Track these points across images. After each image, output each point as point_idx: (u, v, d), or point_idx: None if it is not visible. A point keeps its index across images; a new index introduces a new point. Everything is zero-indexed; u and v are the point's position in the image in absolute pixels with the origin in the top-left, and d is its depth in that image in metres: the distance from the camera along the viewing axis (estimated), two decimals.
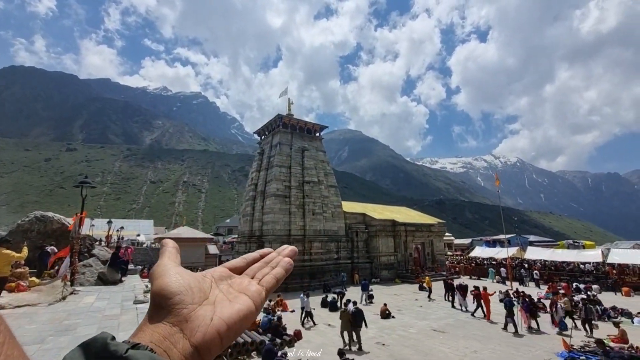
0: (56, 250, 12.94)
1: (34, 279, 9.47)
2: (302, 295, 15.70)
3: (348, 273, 27.96)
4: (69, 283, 9.41)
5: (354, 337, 11.77)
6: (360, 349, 11.50)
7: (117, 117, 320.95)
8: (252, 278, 0.47)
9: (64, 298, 8.42)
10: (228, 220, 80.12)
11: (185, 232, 40.48)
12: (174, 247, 0.46)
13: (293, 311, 17.33)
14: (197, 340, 0.32)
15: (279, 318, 13.42)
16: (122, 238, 37.41)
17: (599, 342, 10.01)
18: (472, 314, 16.62)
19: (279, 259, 0.51)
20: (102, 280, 11.21)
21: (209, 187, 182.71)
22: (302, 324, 14.66)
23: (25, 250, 7.78)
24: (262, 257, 0.52)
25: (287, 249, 0.54)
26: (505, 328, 14.02)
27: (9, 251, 6.88)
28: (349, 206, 34.95)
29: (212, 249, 43.04)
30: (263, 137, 35.00)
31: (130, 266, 17.66)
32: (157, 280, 0.37)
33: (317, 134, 34.37)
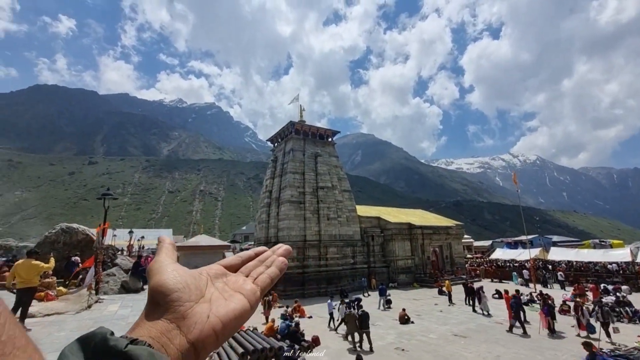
0: (79, 260, 13.48)
1: (61, 288, 9.88)
2: (329, 301, 15.88)
3: (365, 278, 27.74)
4: (94, 292, 9.77)
5: (360, 339, 12.13)
6: (371, 349, 11.72)
7: (135, 130, 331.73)
8: (247, 276, 0.47)
9: (89, 306, 8.75)
10: (244, 228, 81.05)
11: (203, 240, 40.97)
12: (171, 244, 0.47)
13: (310, 317, 17.33)
14: (194, 337, 0.32)
15: (297, 324, 13.44)
16: (143, 247, 38.41)
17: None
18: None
19: (274, 258, 0.52)
20: (125, 289, 11.56)
21: (224, 195, 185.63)
22: (336, 330, 14.74)
23: (52, 261, 8.13)
24: (257, 255, 0.53)
25: (282, 248, 0.55)
26: (510, 330, 13.85)
27: (37, 262, 7.21)
28: (363, 210, 34.77)
29: (228, 256, 43.55)
30: (276, 144, 35.42)
31: None
32: (154, 277, 0.37)
33: (330, 139, 34.50)
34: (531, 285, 26.02)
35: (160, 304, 0.34)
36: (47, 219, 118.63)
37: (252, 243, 41.52)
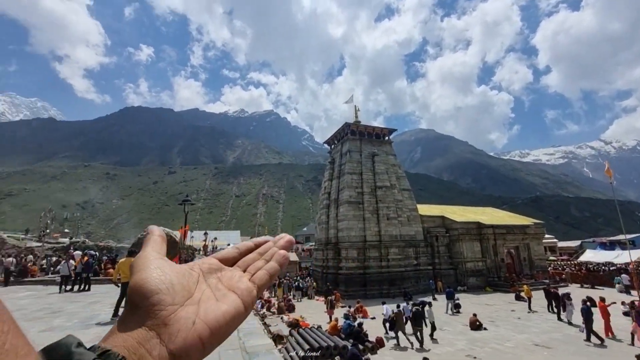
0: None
1: None
2: (384, 305, 15.65)
3: (431, 280, 26.54)
4: None
5: (417, 336, 12.56)
6: (421, 346, 12.12)
7: (205, 141, 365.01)
8: (245, 271, 0.41)
9: None
10: (305, 229, 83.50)
11: None
12: (160, 236, 0.41)
13: (374, 318, 17.21)
14: (176, 347, 0.28)
15: (360, 324, 13.50)
16: (216, 247, 42.11)
17: None
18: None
19: (274, 250, 0.46)
20: None
21: (285, 197, 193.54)
22: (396, 335, 14.49)
23: None
24: (257, 246, 0.47)
25: (284, 239, 0.49)
26: (587, 339, 12.35)
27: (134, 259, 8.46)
28: (425, 209, 33.32)
29: (292, 256, 45.38)
30: (333, 146, 35.92)
31: None
32: (135, 275, 0.32)
33: (386, 138, 33.84)
34: (633, 292, 22.17)
35: (140, 307, 0.30)
36: (138, 222, 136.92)
37: (313, 244, 42.62)
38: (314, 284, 27.78)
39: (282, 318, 18.26)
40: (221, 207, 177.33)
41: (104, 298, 10.32)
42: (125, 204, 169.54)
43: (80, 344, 0.24)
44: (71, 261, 13.03)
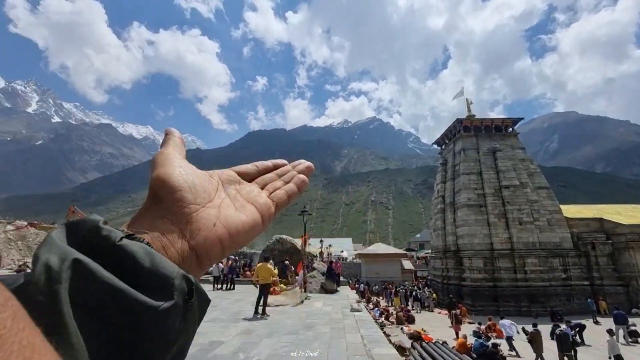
0: (287, 263, 17.01)
1: (282, 285, 12.74)
2: (505, 321, 13.40)
3: (586, 298, 21.25)
4: (303, 290, 12.05)
5: None
6: None
7: (314, 153, 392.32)
8: (262, 189, 0.41)
9: (302, 302, 10.84)
10: (418, 235, 79.50)
11: (380, 248, 43.25)
12: (180, 138, 0.40)
13: (511, 338, 14.82)
14: (197, 244, 0.29)
15: (495, 345, 11.82)
16: (330, 254, 44.20)
17: None
18: None
19: (293, 174, 0.45)
20: (324, 289, 13.65)
21: (394, 203, 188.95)
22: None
23: (276, 269, 10.68)
24: (275, 167, 0.46)
25: (303, 164, 0.48)
26: None
27: (270, 266, 9.60)
28: (573, 210, 27.12)
29: (407, 264, 43.58)
30: (443, 146, 33.31)
31: (341, 279, 20.55)
32: (158, 169, 0.32)
33: (510, 130, 29.32)
34: None
35: (163, 201, 0.30)
36: (265, 232, 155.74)
37: (430, 251, 39.99)
38: (434, 295, 25.91)
39: (402, 329, 17.61)
40: (332, 216, 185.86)
41: (245, 296, 12.05)
42: None
43: (106, 222, 0.24)
44: (220, 264, 15.82)
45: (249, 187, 0.40)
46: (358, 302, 11.39)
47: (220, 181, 0.38)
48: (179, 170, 0.33)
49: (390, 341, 11.41)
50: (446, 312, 20.15)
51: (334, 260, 22.72)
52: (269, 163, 0.46)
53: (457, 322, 16.20)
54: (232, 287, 15.07)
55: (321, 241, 37.13)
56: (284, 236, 20.47)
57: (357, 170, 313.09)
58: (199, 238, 0.29)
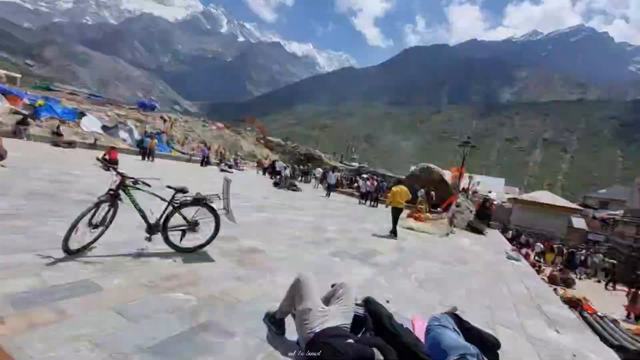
0: (432, 193, 16.60)
1: (427, 214, 12.76)
2: None
3: None
4: (450, 224, 11.76)
5: None
6: None
7: (477, 76, 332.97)
8: None
9: (447, 234, 10.70)
10: (603, 191, 61.60)
11: (543, 196, 36.42)
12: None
13: None
14: None
15: None
16: (477, 192, 40.23)
17: None
18: None
19: None
20: (471, 228, 12.92)
21: (577, 146, 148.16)
22: None
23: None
24: None
25: None
26: None
27: (406, 190, 9.41)
28: None
29: (578, 222, 35.62)
30: None
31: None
32: None
33: None
34: None
35: None
36: (406, 157, 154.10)
37: (619, 213, 30.85)
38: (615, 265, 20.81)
39: (555, 290, 15.44)
40: (484, 150, 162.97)
41: (387, 215, 12.84)
42: (397, 139, 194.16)
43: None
44: (367, 182, 17.04)
45: None
46: (513, 250, 10.38)
47: None
48: None
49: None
50: (624, 288, 16.42)
51: (489, 199, 20.66)
52: None
53: (633, 302, 12.92)
54: (376, 205, 16.35)
55: (470, 177, 33.96)
56: (431, 165, 19.58)
57: (533, 99, 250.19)
58: None
